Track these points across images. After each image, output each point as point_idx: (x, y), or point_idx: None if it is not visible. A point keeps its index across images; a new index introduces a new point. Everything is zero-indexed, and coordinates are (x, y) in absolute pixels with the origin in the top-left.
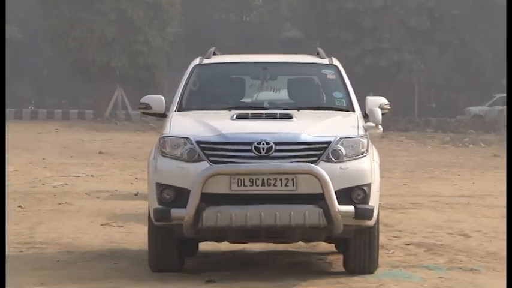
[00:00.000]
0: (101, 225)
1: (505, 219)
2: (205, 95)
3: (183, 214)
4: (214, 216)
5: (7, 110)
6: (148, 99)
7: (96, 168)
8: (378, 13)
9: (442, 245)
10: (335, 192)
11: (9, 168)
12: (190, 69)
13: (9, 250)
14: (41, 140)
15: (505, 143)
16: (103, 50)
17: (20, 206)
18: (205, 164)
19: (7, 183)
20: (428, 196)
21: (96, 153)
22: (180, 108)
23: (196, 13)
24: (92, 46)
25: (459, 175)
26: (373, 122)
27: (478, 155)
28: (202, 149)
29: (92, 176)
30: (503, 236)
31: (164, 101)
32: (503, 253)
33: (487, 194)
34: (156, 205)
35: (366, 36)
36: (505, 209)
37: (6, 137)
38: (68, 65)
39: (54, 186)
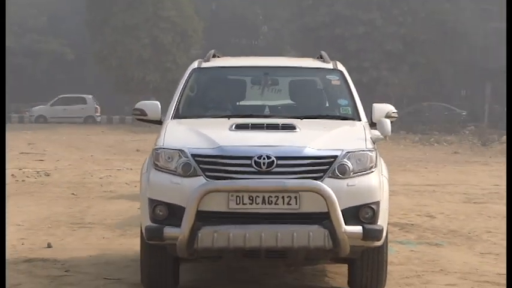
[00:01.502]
0: (138, 208)
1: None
2: (204, 101)
3: (177, 233)
4: (210, 236)
5: None
6: (144, 105)
7: (134, 163)
8: (361, 38)
9: (412, 224)
10: (342, 211)
11: (64, 163)
12: (188, 73)
13: (63, 229)
14: (90, 141)
15: (463, 142)
16: (140, 68)
17: (73, 193)
18: (201, 180)
19: (63, 175)
20: (402, 185)
21: (134, 150)
22: (176, 116)
23: (215, 38)
24: (131, 65)
25: (426, 168)
26: (382, 133)
27: (441, 152)
28: (198, 162)
29: (131, 169)
30: (462, 216)
31: (160, 107)
32: (462, 231)
33: (449, 183)
34: (148, 222)
35: (351, 57)
36: (464, 195)
37: (62, 138)
38: (112, 80)
39: (100, 178)
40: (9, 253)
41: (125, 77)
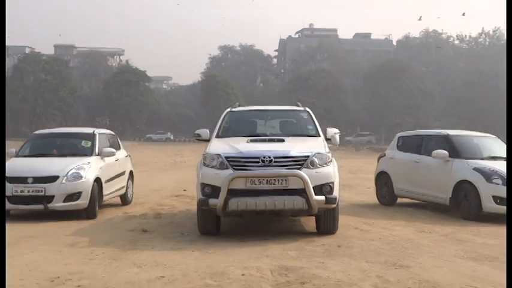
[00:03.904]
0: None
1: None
2: (233, 128)
3: (216, 203)
4: (235, 204)
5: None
6: (200, 131)
7: None
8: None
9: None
10: (313, 188)
11: (191, 158)
12: (224, 114)
13: (190, 183)
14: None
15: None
16: None
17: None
18: (230, 171)
19: (191, 163)
20: None
21: None
22: (217, 136)
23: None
24: (217, 118)
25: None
26: (334, 144)
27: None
28: (229, 161)
29: None
30: (347, 178)
31: (209, 132)
32: (349, 183)
33: (341, 165)
34: (200, 196)
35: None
36: (348, 169)
37: (192, 148)
38: (209, 125)
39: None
40: (168, 192)
41: (215, 124)
